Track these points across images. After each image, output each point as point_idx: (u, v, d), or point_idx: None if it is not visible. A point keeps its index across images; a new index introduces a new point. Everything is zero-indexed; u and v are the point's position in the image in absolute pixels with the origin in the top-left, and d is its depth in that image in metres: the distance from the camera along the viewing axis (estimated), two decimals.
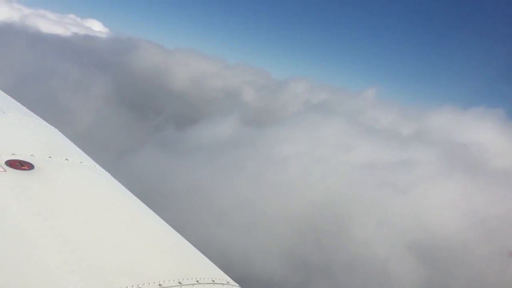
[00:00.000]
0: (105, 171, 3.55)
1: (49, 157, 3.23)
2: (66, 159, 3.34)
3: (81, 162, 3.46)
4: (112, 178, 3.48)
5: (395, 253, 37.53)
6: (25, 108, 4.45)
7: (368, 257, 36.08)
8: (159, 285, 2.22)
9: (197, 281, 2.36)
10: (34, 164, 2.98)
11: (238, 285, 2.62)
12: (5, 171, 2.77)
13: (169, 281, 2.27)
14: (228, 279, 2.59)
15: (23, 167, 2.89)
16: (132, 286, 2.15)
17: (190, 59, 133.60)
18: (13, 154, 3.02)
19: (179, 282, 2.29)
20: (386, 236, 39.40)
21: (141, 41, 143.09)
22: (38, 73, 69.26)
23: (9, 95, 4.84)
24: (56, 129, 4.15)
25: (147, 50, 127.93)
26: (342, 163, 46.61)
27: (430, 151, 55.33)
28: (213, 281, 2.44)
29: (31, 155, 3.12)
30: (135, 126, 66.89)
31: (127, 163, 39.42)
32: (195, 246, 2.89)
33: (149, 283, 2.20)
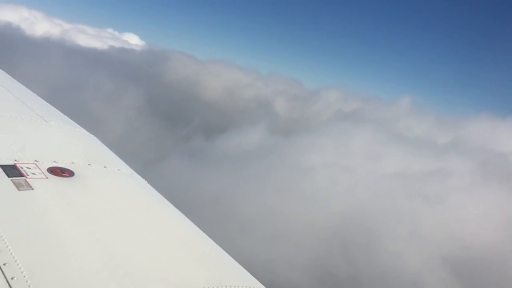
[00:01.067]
0: (141, 178, 3.66)
1: (89, 164, 3.36)
2: (105, 167, 3.46)
3: (118, 170, 3.58)
4: (148, 185, 3.57)
5: (428, 266, 36.28)
6: (66, 117, 4.68)
7: (399, 270, 35.00)
8: None
9: None
10: (74, 171, 3.12)
11: None
12: (47, 177, 2.91)
13: None
14: None
15: (64, 174, 3.03)
16: None
17: (223, 70, 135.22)
18: (54, 161, 3.17)
19: None
20: (418, 248, 38.17)
21: (174, 52, 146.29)
22: (74, 84, 71.89)
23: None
24: (96, 138, 4.32)
25: (179, 61, 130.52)
26: (371, 173, 45.76)
27: (466, 160, 53.53)
28: None
29: (72, 163, 3.26)
30: (165, 136, 68.12)
31: (152, 173, 40.00)
32: None
33: None
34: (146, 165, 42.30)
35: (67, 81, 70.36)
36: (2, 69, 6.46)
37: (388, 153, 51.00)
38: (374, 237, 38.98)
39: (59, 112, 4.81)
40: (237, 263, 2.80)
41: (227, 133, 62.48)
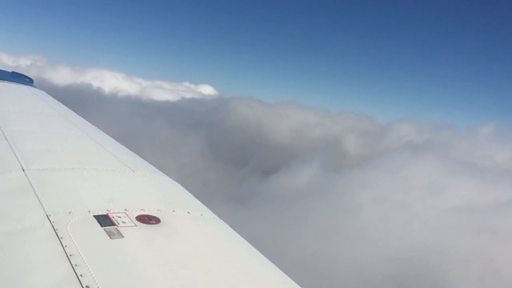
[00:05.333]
0: (224, 223, 3.70)
1: (173, 211, 3.49)
2: (188, 212, 3.57)
3: (201, 215, 3.67)
4: (231, 229, 3.61)
5: None
6: (152, 166, 4.94)
7: None
8: None
9: None
10: (160, 218, 3.25)
11: None
12: (136, 225, 3.06)
13: None
14: None
15: (151, 222, 3.16)
16: None
17: (291, 111, 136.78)
18: (142, 209, 3.34)
19: None
20: None
21: (242, 98, 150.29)
22: (144, 135, 75.69)
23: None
24: (179, 184, 4.50)
25: (247, 106, 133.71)
26: (430, 207, 40.92)
27: None
28: None
29: (158, 210, 3.40)
30: (226, 179, 68.25)
31: None
32: None
33: None
34: None
35: (137, 132, 74.30)
36: (86, 120, 7.19)
37: (453, 185, 45.83)
38: (441, 280, 34.31)
39: (145, 162, 5.11)
40: None
41: (279, 172, 60.67)
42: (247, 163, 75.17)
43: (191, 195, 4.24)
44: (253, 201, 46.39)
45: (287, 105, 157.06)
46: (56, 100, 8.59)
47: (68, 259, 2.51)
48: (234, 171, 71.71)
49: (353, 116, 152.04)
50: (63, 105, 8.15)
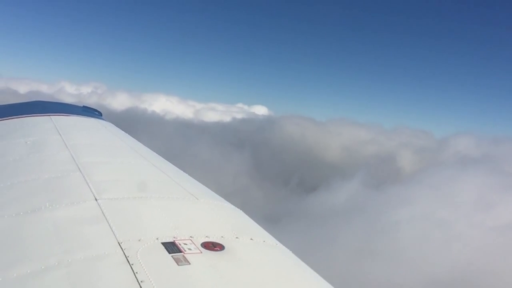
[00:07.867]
0: (286, 249, 3.77)
1: (236, 237, 3.55)
2: (251, 239, 3.63)
3: (264, 241, 3.74)
4: (294, 256, 3.67)
5: None
6: (214, 193, 5.09)
7: None
8: None
9: None
10: (224, 245, 3.32)
11: None
12: (201, 252, 3.15)
13: None
14: None
15: (215, 248, 3.24)
16: None
17: (343, 128, 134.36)
18: (207, 236, 3.42)
19: None
20: None
21: (293, 117, 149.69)
22: (190, 154, 77.07)
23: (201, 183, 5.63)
24: (241, 211, 4.60)
25: (296, 124, 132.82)
26: (474, 225, 37.88)
27: None
28: None
29: (221, 237, 3.48)
30: (270, 197, 67.75)
31: None
32: None
33: None
34: None
35: (183, 152, 75.92)
36: (152, 150, 7.48)
37: (504, 201, 42.31)
38: None
39: (208, 189, 5.27)
40: None
41: (319, 190, 59.21)
42: (292, 182, 74.52)
43: (253, 221, 4.30)
44: (285, 220, 45.58)
45: (339, 122, 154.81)
46: (123, 132, 8.98)
47: (139, 285, 2.61)
48: (278, 189, 71.31)
49: (408, 132, 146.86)
50: (129, 136, 8.53)
